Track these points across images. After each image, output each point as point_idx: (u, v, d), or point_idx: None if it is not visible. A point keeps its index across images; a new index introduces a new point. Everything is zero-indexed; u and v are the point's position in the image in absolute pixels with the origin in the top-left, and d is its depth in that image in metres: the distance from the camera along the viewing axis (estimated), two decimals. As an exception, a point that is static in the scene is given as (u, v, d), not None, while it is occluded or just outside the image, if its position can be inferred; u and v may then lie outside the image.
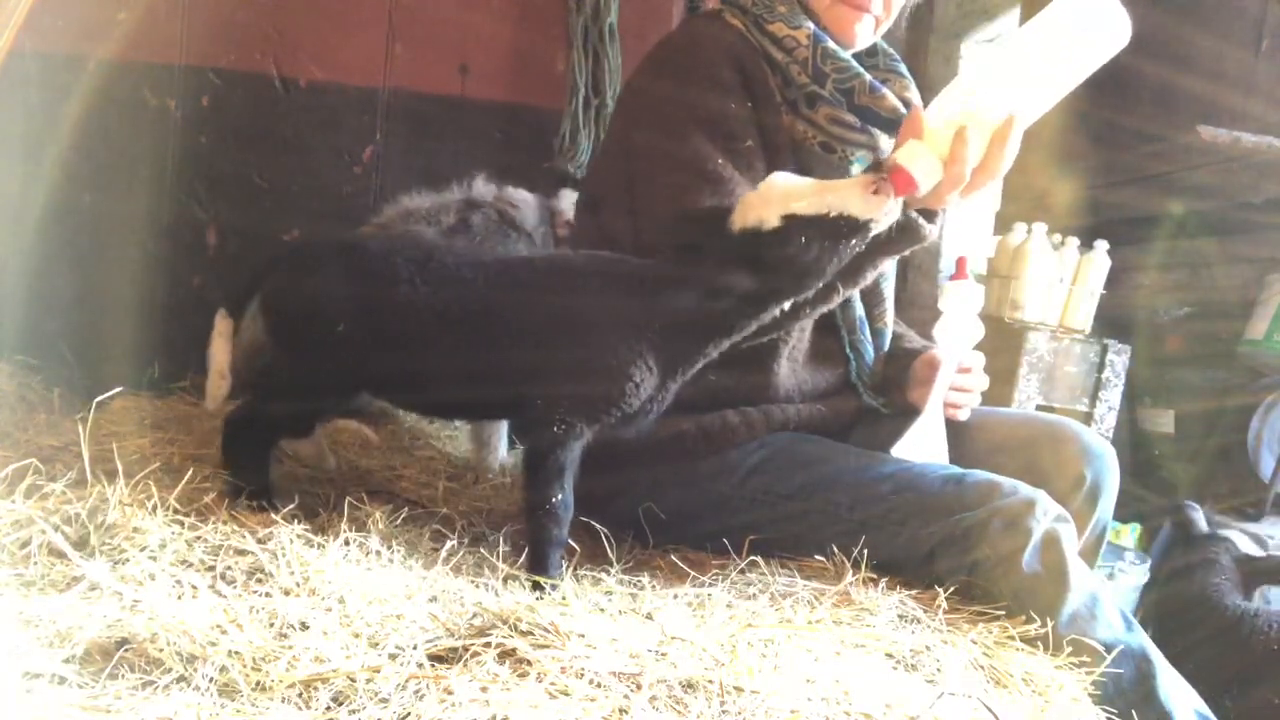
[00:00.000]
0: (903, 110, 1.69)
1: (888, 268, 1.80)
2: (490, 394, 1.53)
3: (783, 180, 1.40)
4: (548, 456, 1.44)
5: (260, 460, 1.60)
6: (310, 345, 1.54)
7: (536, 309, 1.48)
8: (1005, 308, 3.38)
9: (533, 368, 1.46)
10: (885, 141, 1.73)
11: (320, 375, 1.56)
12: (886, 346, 1.88)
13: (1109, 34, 1.43)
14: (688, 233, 1.49)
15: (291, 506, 1.47)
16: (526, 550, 1.46)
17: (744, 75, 1.69)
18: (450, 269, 1.50)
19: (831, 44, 1.72)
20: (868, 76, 1.70)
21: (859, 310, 1.82)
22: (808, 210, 1.35)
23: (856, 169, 1.73)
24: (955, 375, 1.79)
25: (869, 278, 1.65)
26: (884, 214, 1.38)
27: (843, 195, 1.35)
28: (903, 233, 1.53)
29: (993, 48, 1.44)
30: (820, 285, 1.46)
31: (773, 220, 1.35)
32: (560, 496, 1.44)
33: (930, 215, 1.59)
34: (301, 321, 1.54)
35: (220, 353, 1.57)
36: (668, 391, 1.51)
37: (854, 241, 1.39)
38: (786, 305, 1.47)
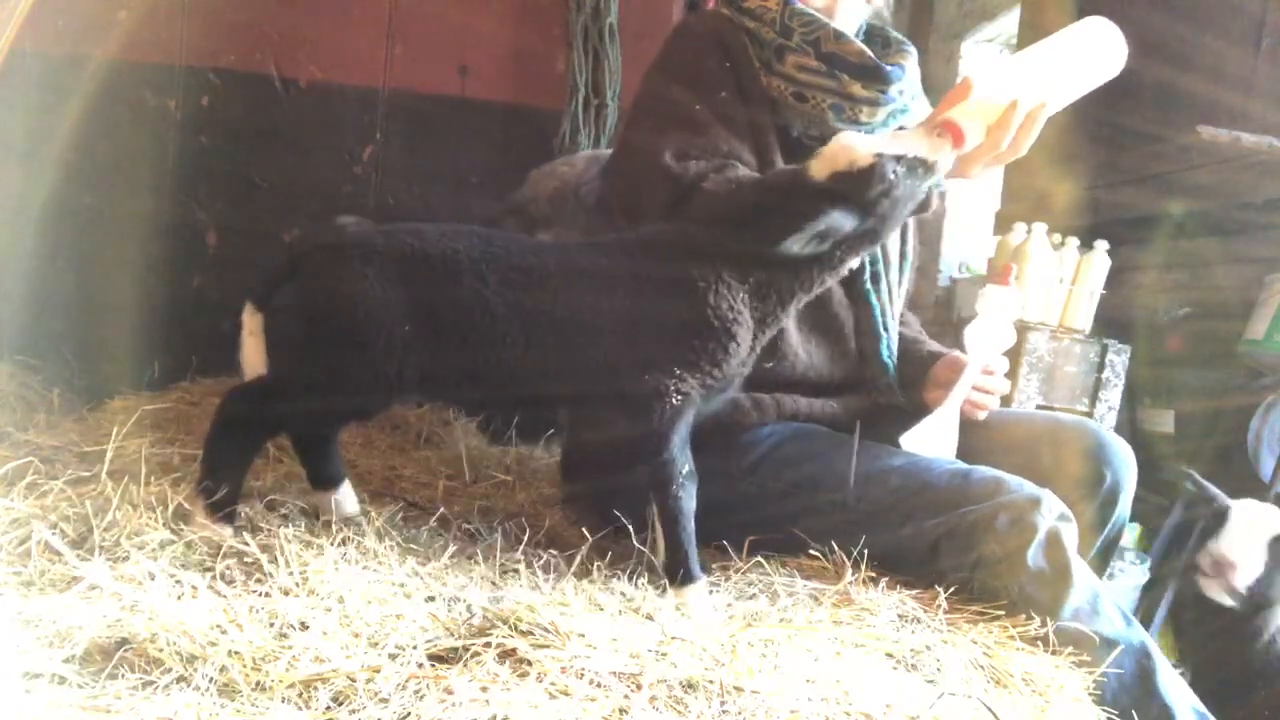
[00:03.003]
0: (870, 55, 1.75)
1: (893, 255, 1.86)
2: (590, 380, 1.43)
3: (852, 133, 1.46)
4: (669, 433, 1.38)
5: (242, 464, 1.43)
6: (356, 342, 1.37)
7: (628, 285, 1.43)
8: (1005, 308, 3.37)
9: (633, 344, 1.40)
10: (858, 90, 1.75)
11: (370, 373, 1.39)
12: (894, 346, 1.89)
13: (1113, 58, 1.63)
14: (747, 197, 1.51)
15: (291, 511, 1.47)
16: (665, 558, 1.41)
17: (725, 49, 1.77)
18: (518, 257, 1.43)
19: (800, 5, 1.77)
20: (833, 26, 1.75)
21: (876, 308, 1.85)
22: (890, 150, 1.41)
23: (832, 117, 1.76)
24: (979, 377, 1.79)
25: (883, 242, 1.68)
26: (943, 159, 1.46)
27: (912, 139, 1.45)
28: None
29: (1029, 47, 1.60)
30: (891, 232, 1.53)
31: (865, 159, 1.39)
32: (688, 467, 1.39)
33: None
34: (348, 315, 1.37)
35: (255, 352, 1.43)
36: (752, 357, 1.49)
37: (924, 185, 1.46)
38: (855, 262, 1.51)
